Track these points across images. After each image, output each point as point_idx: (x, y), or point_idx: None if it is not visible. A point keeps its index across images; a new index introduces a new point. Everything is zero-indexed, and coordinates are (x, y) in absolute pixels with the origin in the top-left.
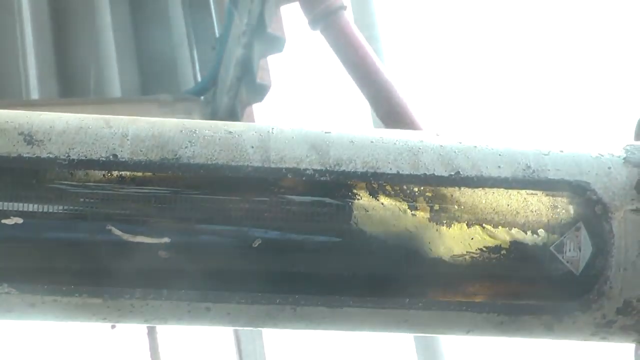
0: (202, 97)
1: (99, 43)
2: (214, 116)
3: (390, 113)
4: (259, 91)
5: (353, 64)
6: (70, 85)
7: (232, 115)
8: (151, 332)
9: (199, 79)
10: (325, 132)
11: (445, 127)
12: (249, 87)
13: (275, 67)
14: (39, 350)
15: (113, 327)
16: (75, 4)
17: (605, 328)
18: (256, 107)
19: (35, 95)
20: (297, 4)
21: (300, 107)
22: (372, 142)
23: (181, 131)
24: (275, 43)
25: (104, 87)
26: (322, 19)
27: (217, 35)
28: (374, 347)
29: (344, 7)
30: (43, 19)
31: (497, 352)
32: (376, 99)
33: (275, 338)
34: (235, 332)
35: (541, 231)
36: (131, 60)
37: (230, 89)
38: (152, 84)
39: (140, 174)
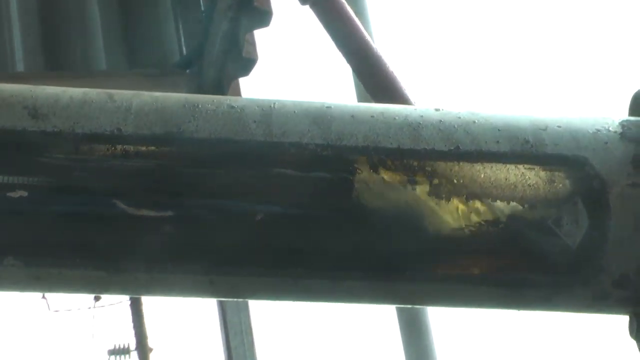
0: (187, 71)
1: (85, 16)
2: (200, 90)
3: (380, 87)
4: (245, 65)
5: (343, 39)
6: (56, 58)
7: (218, 88)
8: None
9: (184, 51)
10: (327, 107)
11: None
12: (235, 61)
13: (262, 40)
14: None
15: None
16: None
17: (601, 300)
18: (242, 81)
19: (21, 68)
20: None
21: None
22: (372, 116)
23: (184, 105)
24: (261, 17)
25: (90, 61)
26: None
27: (203, 8)
28: (356, 320)
29: None
30: None
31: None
32: (366, 73)
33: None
34: (220, 303)
35: (539, 205)
36: (116, 33)
37: (216, 62)
38: (138, 57)
39: (144, 147)
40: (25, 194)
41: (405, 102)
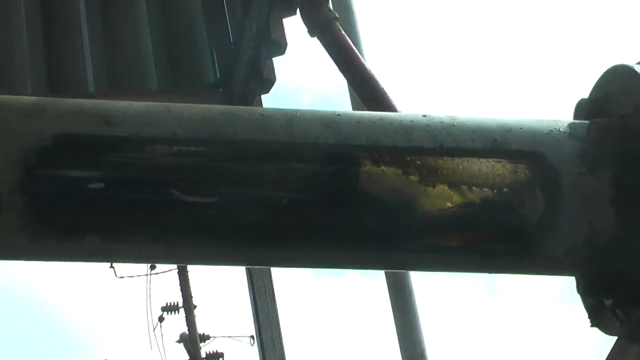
0: (220, 89)
1: (140, 46)
2: (229, 104)
3: (373, 100)
4: (265, 85)
5: (344, 63)
6: (118, 80)
7: (244, 103)
8: (182, 272)
9: (218, 74)
10: (337, 114)
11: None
12: (257, 81)
13: (278, 65)
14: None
15: (152, 267)
16: (119, 8)
17: (555, 265)
18: (264, 97)
19: (92, 88)
20: (298, 16)
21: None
22: (373, 122)
23: (225, 114)
24: (278, 47)
25: (144, 82)
26: (319, 28)
27: (232, 40)
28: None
29: (336, 18)
30: (96, 24)
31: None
32: (362, 89)
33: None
34: (249, 270)
35: (505, 190)
36: (164, 59)
37: (243, 82)
38: (181, 78)
39: (193, 148)
40: (102, 185)
41: (392, 110)
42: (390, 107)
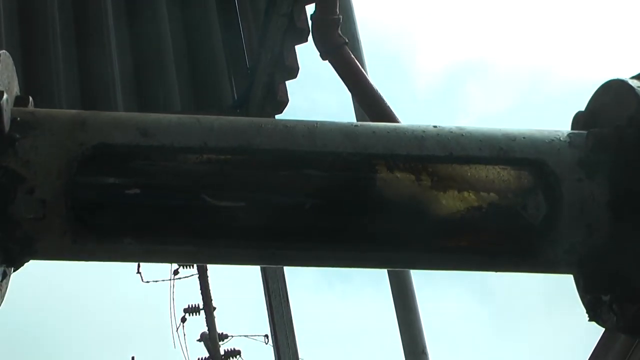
0: (238, 110)
1: (165, 71)
2: None
3: (379, 116)
4: (279, 106)
5: (353, 83)
6: (145, 101)
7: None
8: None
9: (236, 97)
10: (355, 125)
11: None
12: (271, 103)
13: (291, 88)
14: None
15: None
16: (145, 38)
17: (555, 264)
18: (277, 116)
19: (121, 109)
20: (309, 42)
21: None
22: (388, 132)
23: (251, 126)
24: (291, 72)
25: (169, 103)
26: (331, 52)
27: (248, 65)
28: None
29: (346, 43)
30: (126, 51)
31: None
32: (369, 106)
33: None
34: (264, 274)
35: (510, 195)
36: (187, 83)
37: (259, 104)
38: (202, 100)
39: (223, 156)
40: (138, 191)
41: (395, 122)
42: (393, 121)
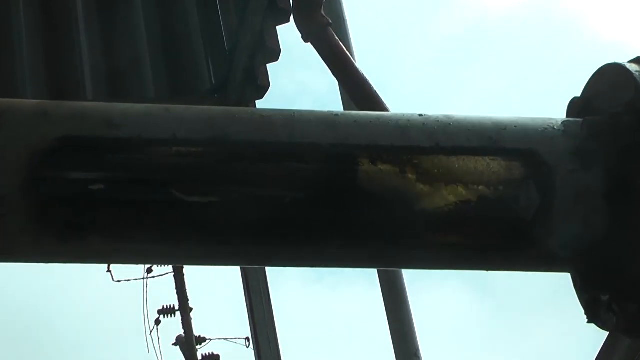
0: (216, 95)
1: (138, 55)
2: None
3: (365, 101)
4: (259, 91)
5: (337, 66)
6: (116, 88)
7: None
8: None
9: (214, 81)
10: (335, 115)
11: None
12: (252, 87)
13: (275, 70)
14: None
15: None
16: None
17: (550, 260)
18: (258, 103)
19: (90, 97)
20: (291, 23)
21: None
22: (371, 122)
23: (225, 115)
24: (272, 54)
25: (142, 90)
26: (313, 34)
27: (227, 47)
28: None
29: (329, 24)
30: (93, 31)
31: None
32: (354, 91)
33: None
34: (244, 271)
35: (500, 187)
36: (162, 68)
37: (238, 89)
38: (177, 86)
39: (194, 148)
40: (103, 186)
41: (383, 110)
42: (381, 107)
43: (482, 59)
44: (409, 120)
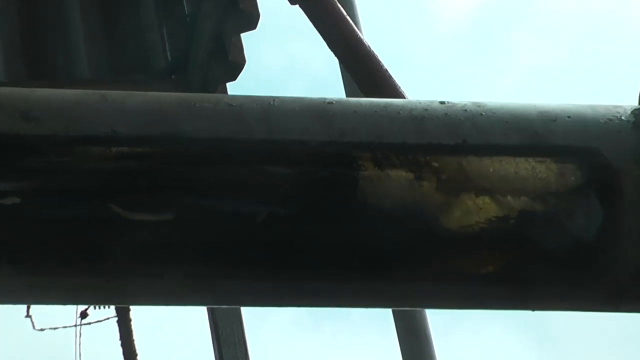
0: (173, 76)
1: (65, 22)
2: None
3: (372, 83)
4: (231, 70)
5: (334, 37)
6: (37, 67)
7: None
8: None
9: (169, 57)
10: (328, 103)
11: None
12: (221, 65)
13: (248, 43)
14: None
15: (83, 315)
16: None
17: (619, 297)
18: (230, 86)
19: (1, 77)
20: None
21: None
22: (375, 111)
23: (180, 105)
24: (247, 20)
25: (72, 69)
26: None
27: (187, 11)
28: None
29: None
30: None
31: None
32: (358, 70)
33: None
34: (212, 315)
35: (550, 199)
36: (99, 39)
37: (202, 67)
38: (121, 64)
39: (139, 149)
40: (17, 200)
41: (397, 97)
42: (394, 94)
43: (529, 21)
44: (426, 110)
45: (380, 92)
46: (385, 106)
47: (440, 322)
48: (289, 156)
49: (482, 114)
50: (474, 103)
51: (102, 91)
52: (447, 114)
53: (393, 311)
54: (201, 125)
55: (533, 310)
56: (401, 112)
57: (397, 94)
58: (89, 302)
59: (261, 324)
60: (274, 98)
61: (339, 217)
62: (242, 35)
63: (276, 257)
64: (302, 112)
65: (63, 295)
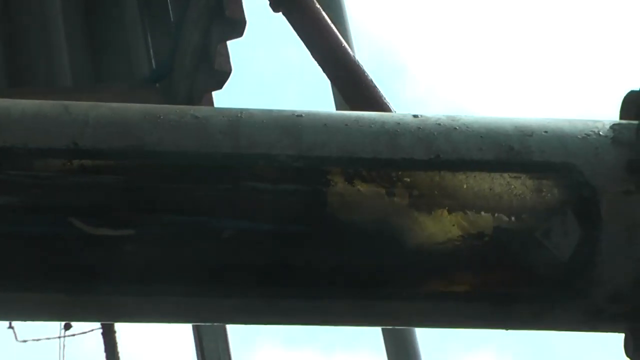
0: (157, 85)
1: (48, 29)
2: (170, 104)
3: (358, 95)
4: (217, 78)
5: (318, 46)
6: (20, 75)
7: (190, 103)
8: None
9: (154, 64)
10: (297, 116)
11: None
12: (207, 73)
13: (235, 51)
14: None
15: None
16: None
17: (595, 317)
18: (215, 95)
19: None
20: None
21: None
22: (346, 125)
23: (145, 117)
24: (234, 27)
25: (55, 77)
26: (285, 0)
27: (172, 18)
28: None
29: None
30: None
31: None
32: (343, 81)
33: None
34: (196, 329)
35: (526, 216)
36: (82, 47)
37: (188, 75)
38: (105, 72)
39: (102, 162)
40: None
41: (384, 110)
42: (381, 107)
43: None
44: (399, 123)
45: (365, 103)
46: (357, 119)
47: (425, 338)
48: (255, 171)
49: (456, 128)
50: (448, 117)
51: (66, 102)
52: (420, 128)
53: (382, 329)
54: (165, 138)
55: (508, 329)
56: (373, 125)
57: (382, 104)
58: (52, 319)
59: (250, 336)
60: (241, 110)
61: (308, 233)
62: (230, 42)
63: (242, 275)
64: (270, 126)
65: (26, 312)
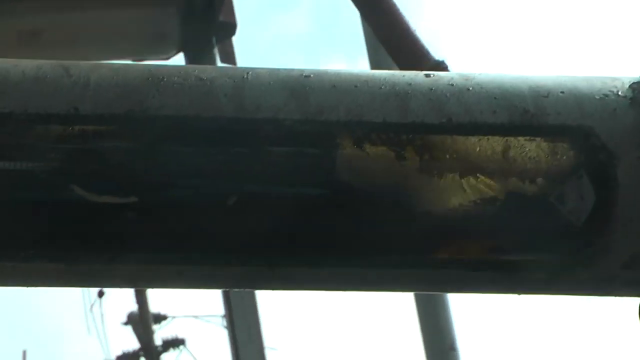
0: None
1: None
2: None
3: (400, 45)
4: (223, 30)
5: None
6: None
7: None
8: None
9: None
10: (305, 76)
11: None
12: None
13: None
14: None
15: (101, 294)
16: None
17: (608, 283)
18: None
19: None
20: None
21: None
22: (356, 86)
23: (148, 79)
24: None
25: None
26: None
27: None
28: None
29: None
30: None
31: None
32: (383, 27)
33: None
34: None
35: (540, 180)
36: None
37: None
38: None
39: (103, 127)
40: None
41: (427, 61)
42: (423, 56)
43: None
44: (410, 84)
45: (411, 59)
46: (367, 80)
47: None
48: (261, 136)
49: (469, 89)
50: (461, 75)
51: (66, 62)
52: (432, 89)
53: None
54: (168, 102)
55: (519, 294)
56: (383, 87)
57: (424, 54)
58: (50, 286)
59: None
60: (248, 70)
61: (316, 199)
62: None
63: (248, 241)
64: (277, 87)
65: (23, 280)
